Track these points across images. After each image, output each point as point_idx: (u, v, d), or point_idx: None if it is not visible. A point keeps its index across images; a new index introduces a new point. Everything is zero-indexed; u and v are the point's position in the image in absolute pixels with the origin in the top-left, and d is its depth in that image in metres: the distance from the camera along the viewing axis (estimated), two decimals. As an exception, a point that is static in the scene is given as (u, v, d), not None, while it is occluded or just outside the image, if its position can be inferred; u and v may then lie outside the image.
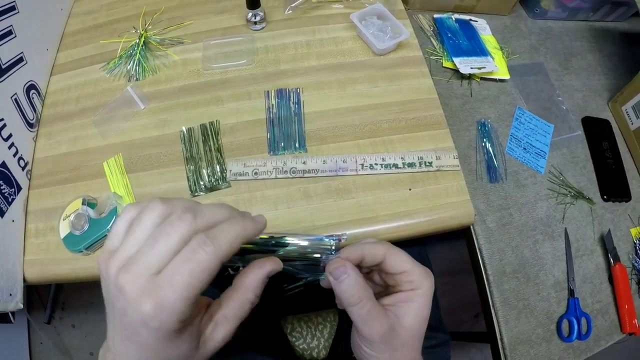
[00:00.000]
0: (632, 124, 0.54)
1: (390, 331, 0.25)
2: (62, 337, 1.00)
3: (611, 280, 0.46)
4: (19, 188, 0.45)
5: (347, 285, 0.25)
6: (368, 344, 0.25)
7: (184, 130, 0.48)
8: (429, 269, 0.27)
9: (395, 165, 0.45)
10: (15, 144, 0.46)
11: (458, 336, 0.68)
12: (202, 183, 0.44)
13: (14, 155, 0.45)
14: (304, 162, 0.45)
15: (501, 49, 0.60)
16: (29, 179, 0.47)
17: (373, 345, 0.25)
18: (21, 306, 0.43)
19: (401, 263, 0.26)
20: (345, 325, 0.56)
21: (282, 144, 0.46)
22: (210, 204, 0.23)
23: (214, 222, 0.22)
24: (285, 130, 0.47)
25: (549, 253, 0.47)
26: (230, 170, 0.45)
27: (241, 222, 0.22)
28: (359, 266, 0.27)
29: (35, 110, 0.50)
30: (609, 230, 0.48)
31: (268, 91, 0.50)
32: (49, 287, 1.01)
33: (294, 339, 0.56)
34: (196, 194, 0.44)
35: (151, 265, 0.20)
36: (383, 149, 0.47)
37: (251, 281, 0.24)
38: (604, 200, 0.51)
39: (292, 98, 0.49)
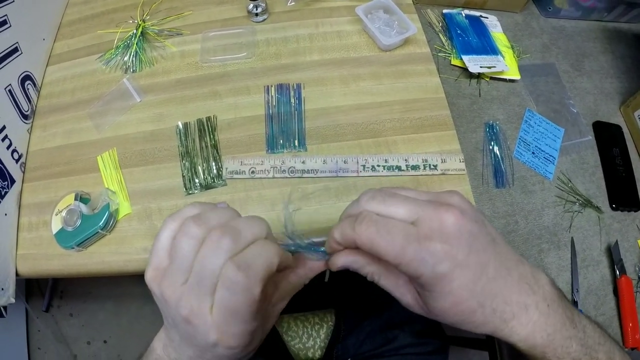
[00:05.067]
0: (646, 130, 0.52)
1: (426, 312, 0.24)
2: (60, 325, 1.00)
3: (616, 292, 0.45)
4: (12, 181, 0.44)
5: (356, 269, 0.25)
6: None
7: (180, 125, 0.46)
8: (433, 243, 0.20)
9: (399, 168, 0.44)
10: (8, 136, 0.45)
11: (457, 341, 0.67)
12: (197, 181, 0.43)
13: (8, 148, 0.44)
14: (303, 162, 0.43)
15: (512, 47, 0.58)
16: (23, 172, 0.46)
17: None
18: (13, 301, 0.42)
19: (380, 255, 0.21)
20: (342, 326, 0.55)
21: (281, 141, 0.45)
22: (246, 218, 0.23)
23: (251, 241, 0.22)
24: (285, 127, 0.46)
25: (554, 263, 0.45)
26: (227, 168, 0.43)
27: (271, 250, 0.22)
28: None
29: (30, 102, 0.49)
30: (617, 241, 0.47)
31: (268, 86, 0.48)
32: (47, 276, 1.02)
33: (289, 338, 0.56)
34: (190, 192, 0.43)
35: (206, 298, 0.21)
36: (386, 150, 0.45)
37: (313, 271, 0.26)
38: (613, 209, 0.49)
39: (292, 94, 0.48)
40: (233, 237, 0.21)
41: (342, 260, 0.25)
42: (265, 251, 0.22)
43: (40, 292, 1.02)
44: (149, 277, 0.23)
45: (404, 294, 0.25)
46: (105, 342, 1.00)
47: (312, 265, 0.26)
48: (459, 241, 0.21)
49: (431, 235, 0.21)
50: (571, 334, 0.24)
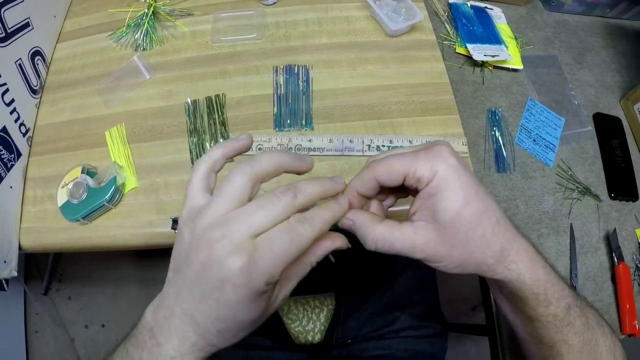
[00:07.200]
0: (645, 122, 0.53)
1: (438, 235, 0.23)
2: (58, 308, 1.00)
3: (614, 279, 0.46)
4: (19, 154, 0.45)
5: (359, 229, 0.25)
6: (436, 262, 0.24)
7: (189, 101, 0.47)
8: (436, 146, 0.24)
9: (403, 148, 0.44)
10: (17, 110, 0.45)
11: (456, 327, 0.68)
12: (205, 156, 0.43)
13: (16, 121, 0.45)
14: (310, 140, 0.44)
15: (515, 38, 0.59)
16: (30, 146, 0.46)
17: (437, 259, 0.24)
18: (15, 274, 0.42)
19: (395, 173, 0.24)
20: (342, 309, 0.55)
21: (289, 120, 0.45)
22: (307, 180, 0.23)
23: (310, 202, 0.23)
24: (292, 107, 0.46)
25: (553, 248, 0.46)
26: (234, 145, 0.44)
27: (333, 208, 0.24)
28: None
29: (39, 77, 0.49)
30: (615, 229, 0.47)
31: (277, 67, 0.49)
32: (47, 257, 1.01)
33: (289, 321, 0.56)
34: (198, 166, 0.43)
35: (251, 227, 0.20)
36: (391, 131, 0.46)
37: (321, 249, 0.24)
38: (611, 198, 0.50)
39: (300, 75, 0.48)
40: (295, 192, 0.22)
41: (351, 215, 0.25)
42: (324, 215, 0.23)
43: (39, 274, 1.01)
44: (183, 217, 0.23)
45: (417, 236, 0.24)
46: (103, 325, 0.99)
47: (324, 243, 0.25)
48: (455, 153, 0.24)
49: (434, 144, 0.25)
50: (558, 279, 0.26)
